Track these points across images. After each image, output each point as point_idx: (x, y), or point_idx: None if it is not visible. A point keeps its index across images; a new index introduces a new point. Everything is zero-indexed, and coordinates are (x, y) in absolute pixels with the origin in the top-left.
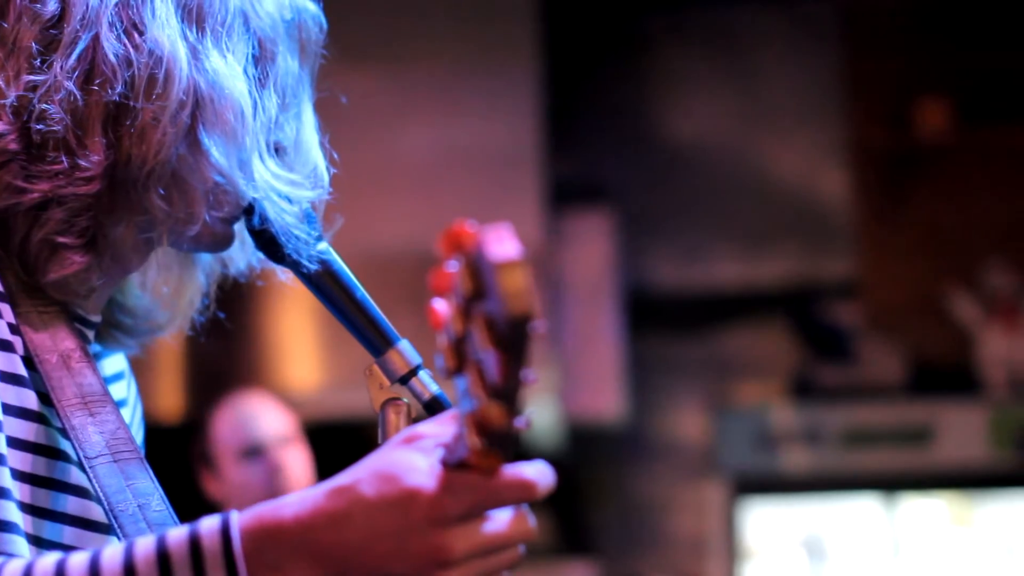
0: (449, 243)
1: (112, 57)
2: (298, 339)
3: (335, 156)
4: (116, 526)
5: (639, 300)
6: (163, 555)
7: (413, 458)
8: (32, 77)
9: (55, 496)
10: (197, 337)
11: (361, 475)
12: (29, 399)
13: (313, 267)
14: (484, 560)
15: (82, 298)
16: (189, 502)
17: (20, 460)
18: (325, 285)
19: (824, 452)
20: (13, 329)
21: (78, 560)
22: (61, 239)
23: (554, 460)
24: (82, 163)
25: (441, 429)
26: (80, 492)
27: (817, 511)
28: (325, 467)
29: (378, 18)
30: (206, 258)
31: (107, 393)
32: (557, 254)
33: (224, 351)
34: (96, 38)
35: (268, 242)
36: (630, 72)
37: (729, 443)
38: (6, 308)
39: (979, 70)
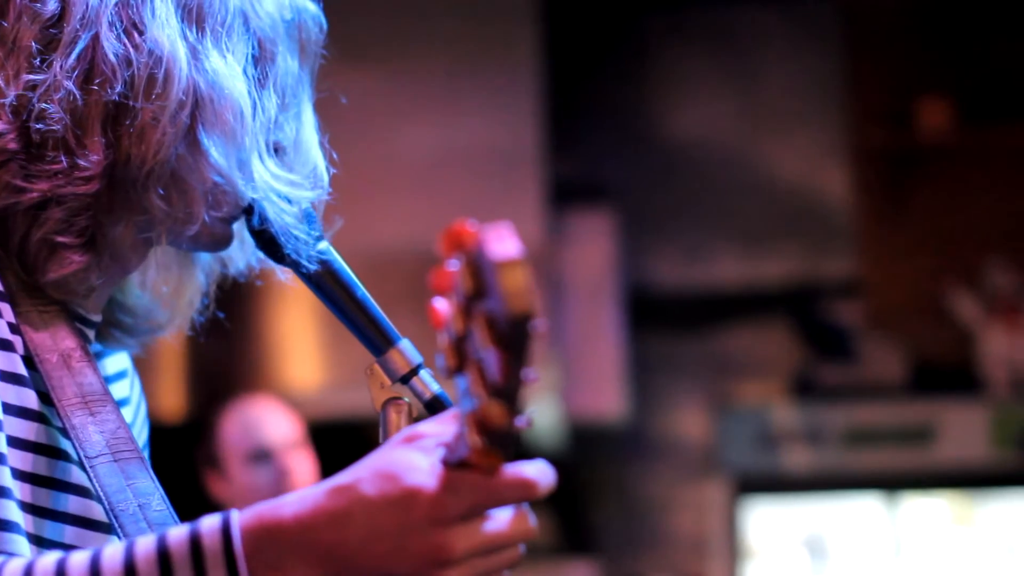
0: (450, 242)
1: (112, 57)
2: (299, 338)
3: (335, 156)
4: (117, 525)
5: (640, 299)
6: (164, 554)
7: (414, 457)
8: (32, 76)
9: (56, 496)
10: (197, 337)
11: (362, 474)
12: (29, 398)
13: (313, 267)
14: (485, 559)
15: (82, 297)
16: (190, 502)
17: (21, 460)
18: (326, 284)
19: (825, 451)
20: (13, 328)
21: (79, 559)
22: (60, 238)
23: (555, 459)
24: (81, 163)
25: (442, 428)
26: (81, 491)
27: (818, 510)
28: (326, 467)
29: (378, 18)
30: (206, 258)
31: (107, 392)
32: (558, 254)
33: (225, 351)
34: (96, 38)
35: (268, 242)
36: (631, 72)
37: (730, 442)
38: (6, 307)
39: (980, 69)
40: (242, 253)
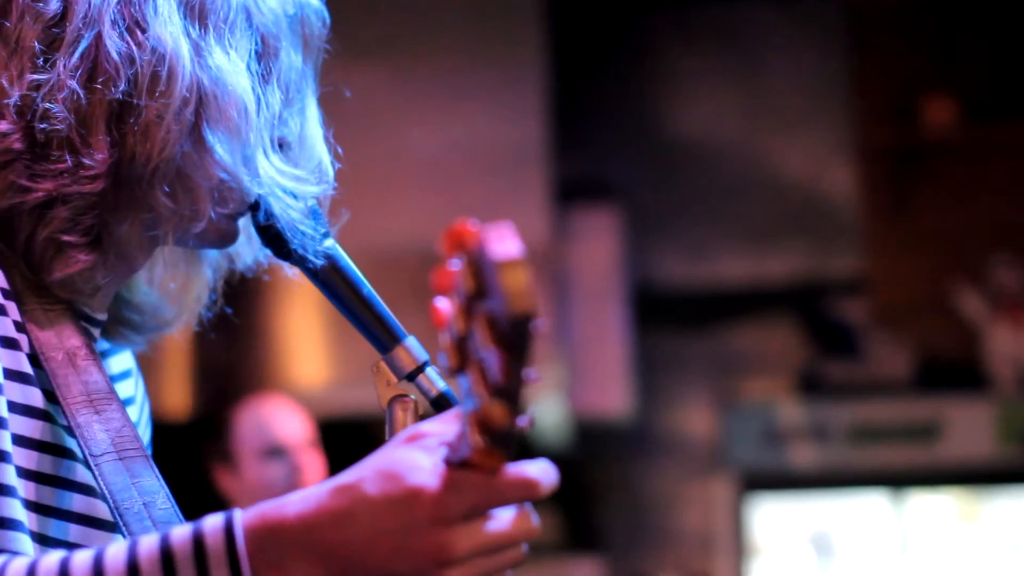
0: (451, 242)
1: (115, 55)
2: (305, 336)
3: (340, 152)
4: (121, 524)
5: (646, 297)
6: (167, 553)
7: (416, 457)
8: (35, 76)
9: (61, 494)
10: (204, 333)
11: (365, 473)
12: (35, 397)
13: (319, 263)
14: (487, 559)
15: (87, 296)
16: (196, 499)
17: (26, 458)
18: (332, 281)
19: (831, 448)
20: (19, 327)
21: (82, 558)
22: (66, 237)
23: (561, 457)
24: (86, 161)
25: (445, 428)
26: (86, 490)
27: (825, 507)
28: (333, 464)
29: (384, 14)
30: (213, 254)
31: (113, 391)
32: (563, 252)
33: (231, 348)
34: (99, 36)
35: (274, 238)
36: (636, 70)
37: (736, 439)
38: (12, 306)
39: (985, 67)
40: (249, 249)
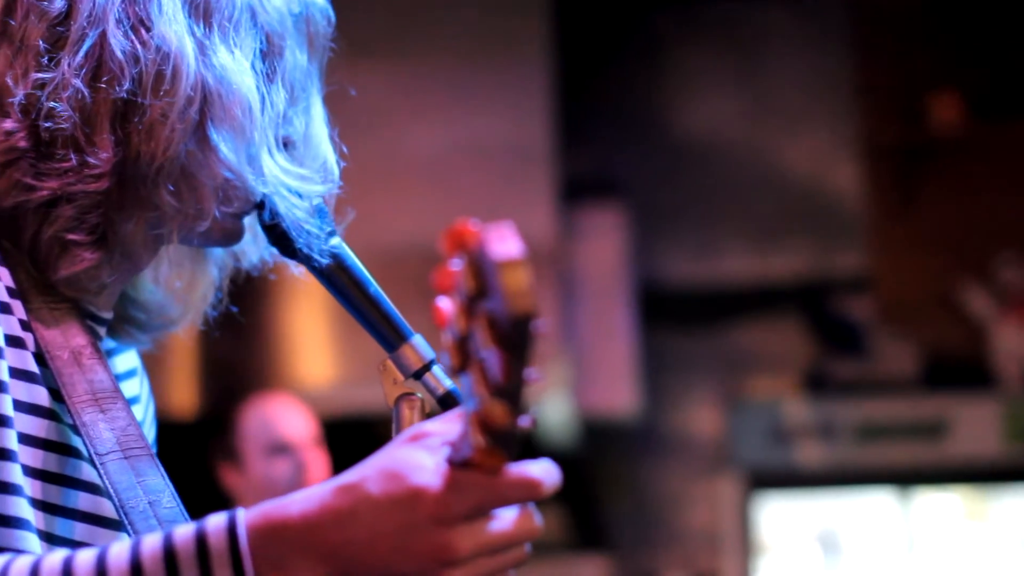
0: (452, 242)
1: (119, 54)
2: (311, 334)
3: (345, 151)
4: (127, 523)
5: (652, 295)
6: (170, 553)
7: (419, 456)
8: (40, 75)
9: (66, 492)
10: (210, 332)
11: (367, 473)
12: (40, 395)
13: (325, 262)
14: (490, 559)
15: (93, 295)
16: (202, 498)
17: (31, 456)
18: (338, 280)
19: (838, 446)
20: (24, 326)
21: (85, 557)
22: (71, 236)
23: (568, 455)
24: (91, 160)
25: (447, 427)
26: (91, 488)
27: (831, 505)
28: (339, 463)
29: (389, 13)
30: (218, 253)
31: (118, 390)
32: (569, 250)
33: (237, 347)
34: (103, 35)
35: (279, 237)
36: (642, 68)
37: (743, 438)
38: (17, 305)
39: (991, 65)
40: (255, 248)
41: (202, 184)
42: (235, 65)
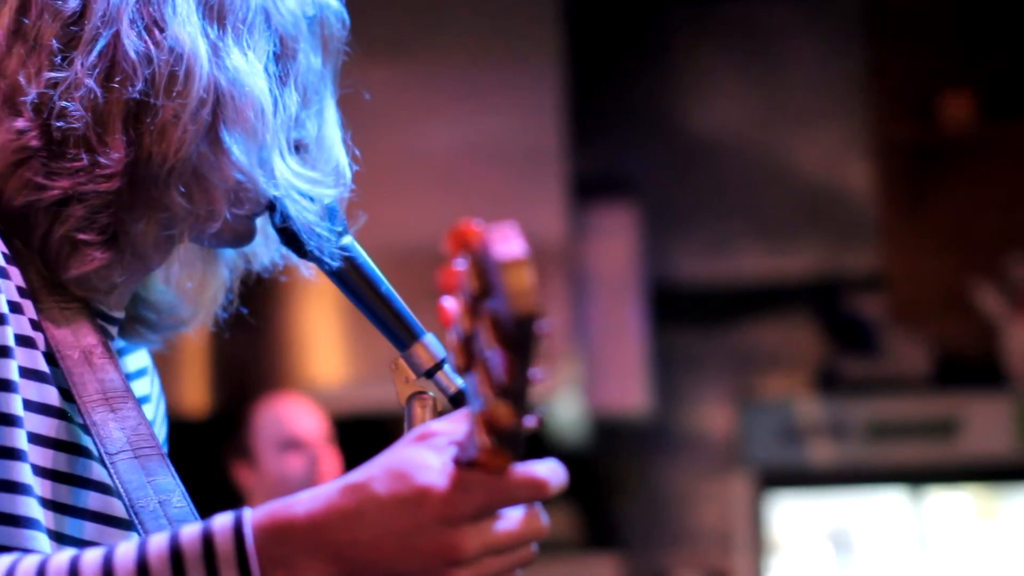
0: (455, 241)
1: (132, 54)
2: (323, 333)
3: (357, 153)
4: (137, 522)
5: (664, 293)
6: (176, 552)
7: (425, 456)
8: (53, 74)
9: (76, 492)
10: (221, 333)
11: (374, 472)
12: (51, 395)
13: (335, 264)
14: (496, 559)
15: (103, 294)
16: (213, 497)
17: (42, 456)
18: (350, 279)
19: (849, 445)
20: (35, 325)
21: (92, 556)
22: (82, 236)
23: (579, 454)
24: (102, 160)
25: (454, 427)
26: (102, 488)
27: (843, 504)
28: (350, 461)
29: (400, 14)
30: (229, 253)
31: (128, 389)
32: (581, 249)
33: (249, 346)
34: (117, 35)
35: (290, 238)
36: (653, 66)
37: (754, 436)
38: (28, 304)
39: (1003, 63)
40: (266, 249)
41: (213, 186)
42: (248, 67)
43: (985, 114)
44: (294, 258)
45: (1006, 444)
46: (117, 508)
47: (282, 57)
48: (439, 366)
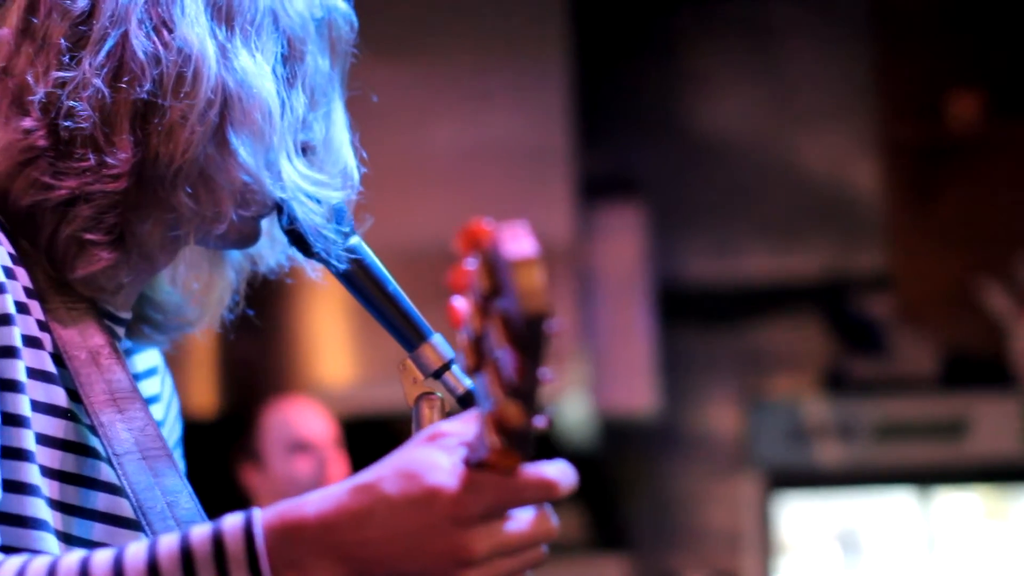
0: (466, 241)
1: (141, 54)
2: (331, 334)
3: (364, 154)
4: (145, 523)
5: (671, 294)
6: (186, 553)
7: (435, 456)
8: (61, 73)
9: (85, 493)
10: (227, 334)
11: (384, 472)
12: (58, 396)
13: (342, 266)
14: (506, 559)
15: (110, 294)
16: (221, 497)
17: (49, 457)
18: (357, 280)
19: (858, 445)
20: (42, 326)
21: (102, 557)
22: (89, 236)
23: (586, 455)
24: (109, 160)
25: (464, 427)
26: (110, 489)
27: (851, 505)
28: (358, 463)
29: (407, 15)
30: (236, 255)
31: (136, 390)
32: (588, 249)
33: (257, 347)
34: (125, 35)
35: (298, 240)
36: (660, 66)
37: (762, 437)
38: (35, 305)
39: (1010, 62)
40: (272, 251)
41: (220, 187)
42: (256, 69)
43: (992, 113)
44: (301, 259)
45: (1015, 444)
46: (125, 509)
47: (290, 59)
48: (447, 367)
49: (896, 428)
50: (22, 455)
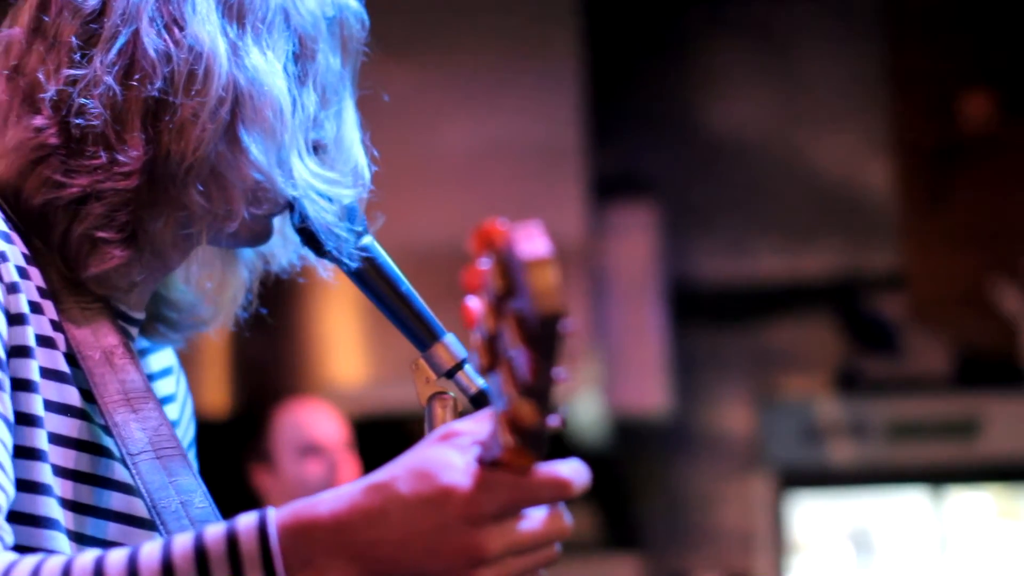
0: (480, 241)
1: (152, 52)
2: (343, 334)
3: (376, 153)
4: (159, 522)
5: (683, 293)
6: (201, 552)
7: (449, 456)
8: (72, 71)
9: (98, 492)
10: (240, 332)
11: (397, 472)
12: (72, 396)
13: (354, 264)
14: (519, 558)
15: (123, 293)
16: (235, 497)
17: (63, 456)
18: (370, 279)
19: (870, 445)
20: (55, 326)
21: (117, 557)
22: (101, 234)
23: (600, 454)
24: (121, 158)
25: (478, 427)
26: (123, 488)
27: (864, 504)
28: (370, 462)
29: (419, 15)
30: (249, 254)
31: (150, 390)
32: (601, 248)
33: (269, 347)
34: (136, 33)
35: (310, 239)
36: (673, 66)
37: (775, 436)
38: (48, 305)
39: (1022, 63)
40: (284, 249)
41: (231, 185)
42: (267, 67)
43: (1004, 114)
44: (313, 258)
45: None
46: (139, 508)
47: (301, 57)
48: (460, 366)
49: (909, 427)
50: (35, 454)
